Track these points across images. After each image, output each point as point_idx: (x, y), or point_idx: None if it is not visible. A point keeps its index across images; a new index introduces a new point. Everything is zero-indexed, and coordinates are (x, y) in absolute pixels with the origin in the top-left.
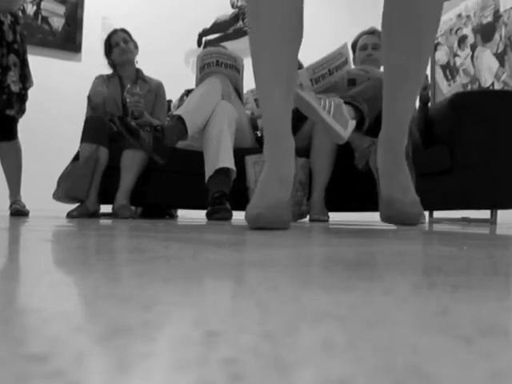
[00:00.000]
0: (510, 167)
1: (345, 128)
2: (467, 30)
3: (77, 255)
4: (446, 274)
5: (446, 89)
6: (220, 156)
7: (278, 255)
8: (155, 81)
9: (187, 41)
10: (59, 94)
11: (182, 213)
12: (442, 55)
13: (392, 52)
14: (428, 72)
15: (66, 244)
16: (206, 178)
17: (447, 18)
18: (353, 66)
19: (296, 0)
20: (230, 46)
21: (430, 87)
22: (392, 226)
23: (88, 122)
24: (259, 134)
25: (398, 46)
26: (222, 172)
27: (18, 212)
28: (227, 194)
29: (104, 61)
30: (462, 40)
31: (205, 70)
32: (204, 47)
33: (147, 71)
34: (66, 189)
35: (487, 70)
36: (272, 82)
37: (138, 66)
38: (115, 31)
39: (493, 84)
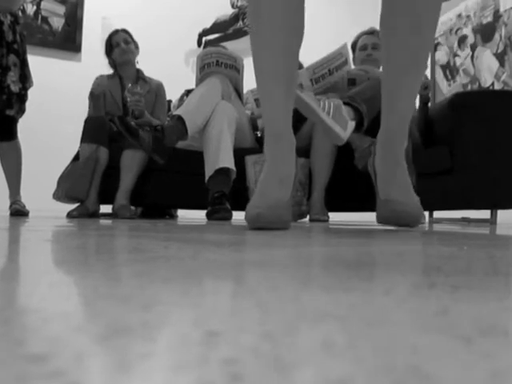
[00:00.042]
0: (510, 167)
1: (344, 129)
2: (467, 30)
3: (77, 255)
4: (446, 274)
5: (445, 89)
6: (220, 156)
7: (277, 255)
8: (155, 81)
9: (187, 41)
10: (59, 94)
11: (181, 213)
12: (441, 55)
13: (391, 52)
14: (428, 72)
15: (65, 244)
16: (206, 178)
17: (447, 17)
18: (353, 66)
19: (296, 0)
20: (230, 46)
21: (431, 87)
22: (392, 227)
23: (88, 122)
24: (259, 134)
25: (396, 45)
26: (222, 172)
27: (18, 212)
28: (227, 194)
29: (104, 61)
30: (462, 40)
31: (205, 70)
32: (204, 47)
33: (147, 71)
34: (65, 189)
35: (487, 70)
36: (273, 82)
37: (138, 66)
38: (116, 31)
39: (493, 84)
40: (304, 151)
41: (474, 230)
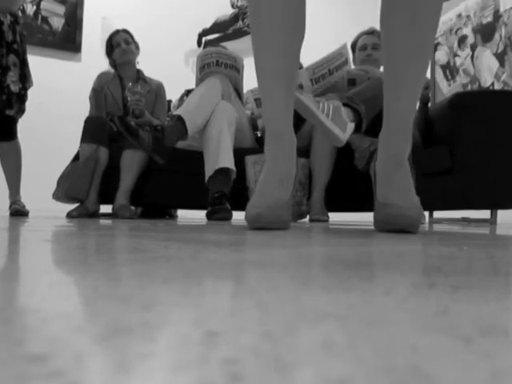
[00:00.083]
0: (510, 167)
1: (344, 131)
2: (467, 30)
3: (77, 255)
4: (446, 274)
5: (446, 89)
6: (220, 156)
7: (277, 255)
8: (156, 81)
9: (187, 41)
10: (59, 94)
11: (181, 213)
12: (441, 55)
13: (391, 49)
14: (428, 72)
15: (65, 244)
16: (206, 178)
17: (447, 17)
18: (352, 67)
19: (297, 0)
20: (230, 46)
21: (431, 87)
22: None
23: (88, 122)
24: (259, 134)
25: (396, 42)
26: (222, 172)
27: (18, 212)
28: (227, 194)
29: (104, 61)
30: (462, 40)
31: (205, 69)
32: (204, 47)
33: (147, 71)
34: (65, 189)
35: (487, 70)
36: (273, 82)
37: (138, 66)
38: (117, 31)
39: (493, 84)
40: (304, 151)
41: (474, 230)
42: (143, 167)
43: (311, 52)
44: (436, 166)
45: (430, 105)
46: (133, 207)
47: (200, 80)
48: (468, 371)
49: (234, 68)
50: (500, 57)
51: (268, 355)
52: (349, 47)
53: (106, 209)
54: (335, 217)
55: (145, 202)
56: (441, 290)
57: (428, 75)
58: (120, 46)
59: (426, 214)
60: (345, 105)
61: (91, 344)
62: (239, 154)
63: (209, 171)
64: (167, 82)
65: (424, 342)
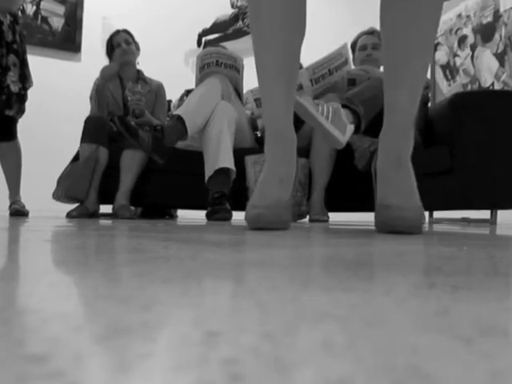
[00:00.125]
0: (510, 167)
1: (343, 133)
2: (467, 30)
3: (76, 255)
4: (445, 274)
5: (445, 89)
6: (220, 156)
7: (277, 255)
8: (156, 81)
9: (187, 41)
10: (59, 94)
11: (181, 213)
12: (441, 55)
13: (391, 45)
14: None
15: (65, 244)
16: (206, 178)
17: (447, 17)
18: (352, 67)
19: (297, 0)
20: (230, 46)
21: (431, 87)
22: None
23: (88, 122)
24: (259, 134)
25: (396, 38)
26: (222, 172)
27: (18, 212)
28: (227, 195)
29: (104, 61)
30: (462, 40)
31: (204, 70)
32: (204, 47)
33: (147, 71)
34: (65, 188)
35: (487, 70)
36: (274, 82)
37: (138, 66)
38: (118, 32)
39: (493, 84)
40: (304, 151)
41: (474, 230)
42: (143, 167)
43: (311, 52)
44: (436, 166)
45: (429, 105)
46: (133, 207)
47: (200, 80)
48: (468, 371)
49: (233, 68)
50: (500, 57)
51: (268, 355)
52: (349, 47)
53: (105, 209)
54: (335, 217)
55: (145, 202)
56: (441, 290)
57: (428, 75)
58: (120, 46)
59: (426, 214)
60: (343, 106)
61: (91, 344)
62: (239, 154)
63: (209, 171)
64: (167, 82)
65: (424, 341)
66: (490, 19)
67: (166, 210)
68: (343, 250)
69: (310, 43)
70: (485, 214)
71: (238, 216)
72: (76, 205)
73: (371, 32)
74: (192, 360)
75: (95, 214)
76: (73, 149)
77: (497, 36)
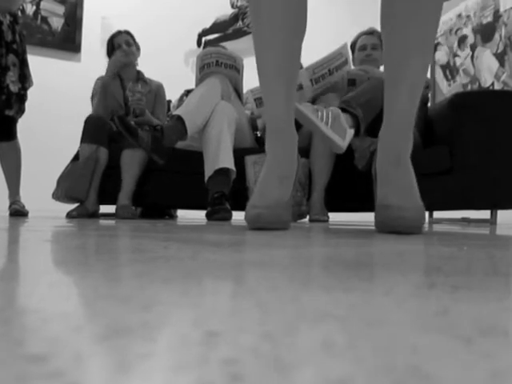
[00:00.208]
0: (510, 167)
1: (343, 138)
2: (467, 30)
3: (76, 255)
4: (446, 274)
5: (445, 89)
6: (220, 156)
7: (277, 255)
8: (156, 82)
9: (187, 41)
10: (58, 94)
11: (181, 213)
12: (441, 55)
13: (391, 43)
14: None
15: (65, 244)
16: (206, 178)
17: (447, 17)
18: (352, 67)
19: (297, 0)
20: (230, 46)
21: (431, 87)
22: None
23: (88, 122)
24: (259, 134)
25: (396, 36)
26: (222, 172)
27: (18, 212)
28: (227, 195)
29: (104, 61)
30: (462, 40)
31: (204, 70)
32: (204, 47)
33: (147, 71)
34: (65, 188)
35: (487, 70)
36: (274, 81)
37: (138, 66)
38: (119, 32)
39: (493, 84)
40: (304, 151)
41: (474, 230)
42: (144, 167)
43: (311, 52)
44: (436, 165)
45: (429, 105)
46: (133, 207)
47: (200, 80)
48: (468, 371)
49: (233, 68)
50: (500, 57)
51: (268, 355)
52: (349, 47)
53: (105, 209)
54: (335, 217)
55: (145, 202)
56: (441, 290)
57: (428, 75)
58: (121, 47)
59: (426, 214)
60: (342, 109)
61: (91, 344)
62: (239, 154)
63: (208, 171)
64: (167, 82)
65: (424, 341)
66: (490, 19)
67: (166, 210)
68: (343, 250)
69: (310, 43)
70: (485, 214)
71: (238, 216)
72: (76, 205)
73: (371, 32)
74: (192, 360)
75: (95, 214)
76: (73, 149)
77: (497, 36)
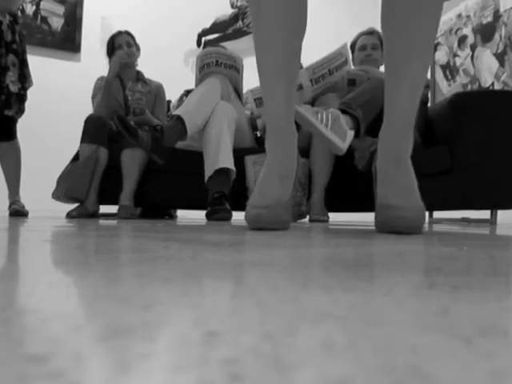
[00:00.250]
0: (510, 167)
1: (343, 140)
2: (467, 30)
3: (76, 255)
4: (445, 274)
5: (445, 89)
6: (220, 156)
7: (277, 256)
8: (155, 82)
9: (187, 41)
10: (58, 94)
11: (181, 213)
12: (441, 55)
13: (391, 43)
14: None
15: (65, 244)
16: (206, 178)
17: (447, 17)
18: (352, 67)
19: (297, 0)
20: (230, 46)
21: (430, 87)
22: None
23: (88, 122)
24: (259, 134)
25: (398, 43)
26: (222, 172)
27: (17, 212)
28: (227, 195)
29: (103, 61)
30: (462, 40)
31: (204, 70)
32: (203, 47)
33: (147, 71)
34: (65, 188)
35: (487, 70)
36: (275, 80)
37: (138, 67)
38: (120, 33)
39: (493, 84)
40: (304, 151)
41: (474, 230)
42: (144, 166)
43: (311, 52)
44: (436, 165)
45: (429, 105)
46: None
47: (199, 80)
48: (468, 371)
49: (233, 68)
50: (500, 57)
51: (268, 355)
52: (348, 47)
53: (105, 209)
54: (335, 217)
55: (145, 202)
56: (441, 290)
57: (428, 75)
58: (122, 48)
59: (426, 214)
60: (341, 111)
61: (91, 344)
62: (239, 154)
63: (208, 171)
64: (167, 82)
65: (424, 341)
66: (490, 19)
67: (166, 210)
68: (343, 250)
69: (310, 43)
70: (485, 214)
71: (238, 216)
72: (76, 205)
73: (371, 32)
74: (192, 360)
75: (95, 215)
76: (73, 149)
77: (497, 36)
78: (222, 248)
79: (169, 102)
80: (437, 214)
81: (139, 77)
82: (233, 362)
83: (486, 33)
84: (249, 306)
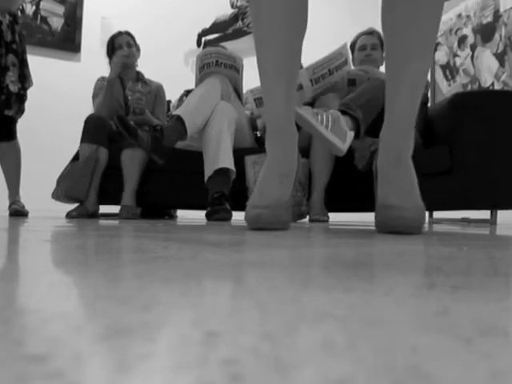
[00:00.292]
0: (510, 167)
1: (343, 141)
2: (467, 30)
3: (76, 256)
4: (445, 274)
5: (445, 89)
6: (219, 156)
7: (277, 256)
8: (155, 83)
9: (187, 41)
10: (58, 94)
11: (181, 213)
12: (441, 55)
13: (392, 42)
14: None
15: (65, 244)
16: (206, 178)
17: (447, 17)
18: (352, 67)
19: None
20: (230, 46)
21: (429, 86)
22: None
23: (88, 122)
24: (259, 134)
25: (398, 43)
26: (222, 172)
27: (17, 212)
28: (227, 195)
29: (103, 61)
30: (462, 40)
31: (204, 70)
32: (203, 47)
33: (147, 71)
34: (65, 188)
35: (487, 70)
36: (275, 80)
37: (138, 67)
38: (120, 33)
39: (493, 84)
40: (304, 151)
41: (474, 230)
42: (144, 166)
43: (311, 52)
44: (436, 165)
45: (429, 105)
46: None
47: (199, 80)
48: (468, 371)
49: (233, 68)
50: (500, 57)
51: (268, 355)
52: (348, 47)
53: (105, 209)
54: (335, 217)
55: (145, 202)
56: (441, 290)
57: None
58: (122, 48)
59: (426, 214)
60: (341, 112)
61: (91, 344)
62: (239, 154)
63: (208, 171)
64: (167, 82)
65: (424, 341)
66: (490, 19)
67: (166, 210)
68: (343, 250)
69: (310, 43)
70: (485, 214)
71: (238, 216)
72: (76, 205)
73: (370, 32)
74: (192, 360)
75: (95, 215)
76: (73, 149)
77: (497, 36)
78: (221, 248)
79: (169, 102)
80: (437, 214)
81: (139, 77)
82: (233, 362)
83: (486, 33)
84: (249, 306)
